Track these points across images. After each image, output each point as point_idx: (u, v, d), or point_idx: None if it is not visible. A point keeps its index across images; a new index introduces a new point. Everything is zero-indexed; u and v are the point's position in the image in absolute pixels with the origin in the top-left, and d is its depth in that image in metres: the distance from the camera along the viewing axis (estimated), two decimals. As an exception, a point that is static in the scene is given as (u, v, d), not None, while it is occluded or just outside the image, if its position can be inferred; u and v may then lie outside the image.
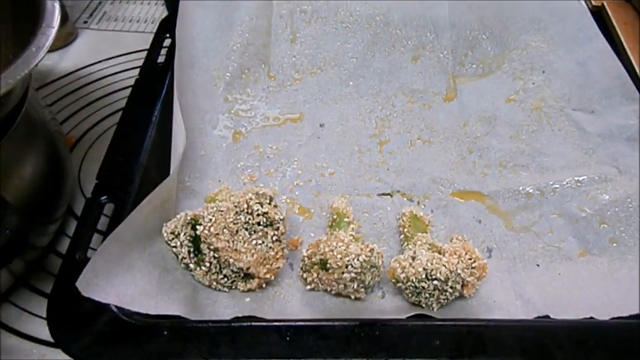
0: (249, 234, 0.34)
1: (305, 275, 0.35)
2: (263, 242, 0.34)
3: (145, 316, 0.31)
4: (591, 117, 0.47)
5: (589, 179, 0.42)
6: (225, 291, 0.34)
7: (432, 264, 0.32)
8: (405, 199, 0.42)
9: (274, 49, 0.51)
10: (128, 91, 0.47)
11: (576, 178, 0.42)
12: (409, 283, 0.32)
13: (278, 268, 0.35)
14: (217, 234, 0.33)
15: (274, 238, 0.35)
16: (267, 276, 0.34)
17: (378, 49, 0.51)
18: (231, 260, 0.33)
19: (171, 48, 0.48)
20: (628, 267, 0.37)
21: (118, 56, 0.57)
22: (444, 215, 0.41)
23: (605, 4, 0.54)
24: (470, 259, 0.34)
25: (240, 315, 0.32)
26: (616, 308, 0.33)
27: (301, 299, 0.35)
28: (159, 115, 0.43)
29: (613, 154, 0.44)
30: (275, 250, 0.35)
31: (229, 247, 0.33)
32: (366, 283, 0.33)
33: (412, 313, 0.33)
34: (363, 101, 0.49)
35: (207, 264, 0.33)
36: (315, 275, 0.34)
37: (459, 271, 0.33)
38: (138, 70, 0.49)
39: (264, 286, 0.35)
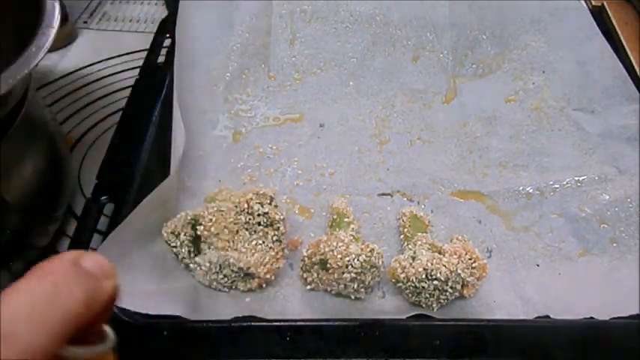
0: (250, 234, 0.34)
1: (305, 275, 0.35)
2: (263, 242, 0.34)
3: (145, 316, 0.31)
4: (591, 117, 0.47)
5: (589, 179, 0.42)
6: (225, 291, 0.34)
7: (432, 264, 0.32)
8: (405, 199, 0.42)
9: (274, 49, 0.51)
10: (128, 91, 0.47)
11: (576, 178, 0.42)
12: (409, 283, 0.32)
13: (278, 268, 0.35)
14: (217, 234, 0.33)
15: (274, 239, 0.35)
16: (267, 276, 0.34)
17: (378, 49, 0.51)
18: (231, 260, 0.33)
19: (171, 48, 0.48)
20: (628, 267, 0.37)
21: (118, 56, 0.57)
22: (444, 215, 0.40)
23: (605, 4, 0.54)
24: (470, 259, 0.34)
25: (240, 315, 0.32)
26: (616, 308, 0.33)
27: (301, 299, 0.35)
28: (159, 115, 0.43)
29: (613, 154, 0.44)
30: (275, 250, 0.35)
31: (229, 247, 0.33)
32: (366, 283, 0.33)
33: (412, 313, 0.33)
34: (363, 101, 0.49)
35: (207, 264, 0.33)
36: (315, 275, 0.34)
37: (459, 271, 0.33)
38: (138, 70, 0.49)
39: (264, 286, 0.35)
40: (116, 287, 0.18)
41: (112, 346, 0.17)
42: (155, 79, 0.46)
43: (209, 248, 0.33)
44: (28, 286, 0.15)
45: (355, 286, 0.33)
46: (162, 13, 0.63)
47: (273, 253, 0.34)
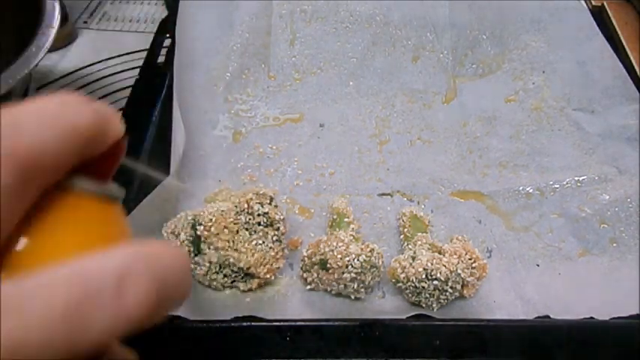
0: (250, 234, 0.34)
1: (305, 275, 0.35)
2: (263, 242, 0.34)
3: (145, 316, 0.31)
4: (591, 117, 0.47)
5: (589, 179, 0.42)
6: (225, 291, 0.34)
7: (432, 264, 0.32)
8: (405, 199, 0.42)
9: (274, 49, 0.51)
10: (128, 91, 0.47)
11: (576, 178, 0.42)
12: (409, 283, 0.32)
13: (278, 268, 0.35)
14: (217, 234, 0.33)
15: (274, 238, 0.35)
16: (267, 276, 0.34)
17: (378, 49, 0.51)
18: (231, 260, 0.33)
19: (171, 48, 0.48)
20: (628, 267, 0.37)
21: (118, 56, 0.57)
22: (444, 215, 0.40)
23: (605, 4, 0.54)
24: (470, 259, 0.34)
25: (240, 315, 0.32)
26: (616, 308, 0.33)
27: (301, 299, 0.35)
28: (159, 115, 0.43)
29: (613, 154, 0.44)
30: (275, 250, 0.35)
31: (229, 247, 0.33)
32: (366, 283, 0.33)
33: (412, 313, 0.33)
34: (363, 101, 0.49)
35: (207, 264, 0.33)
36: (315, 275, 0.34)
37: (459, 271, 0.33)
38: (138, 70, 0.49)
39: (264, 286, 0.35)
40: (124, 140, 0.16)
41: (121, 196, 0.16)
42: (155, 79, 0.47)
43: (209, 248, 0.33)
44: (32, 101, 0.14)
45: (355, 286, 0.33)
46: (162, 13, 0.63)
47: (273, 253, 0.35)
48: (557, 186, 0.42)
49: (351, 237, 0.35)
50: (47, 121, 0.13)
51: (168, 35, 0.51)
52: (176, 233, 0.34)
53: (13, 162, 0.12)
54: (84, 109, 0.14)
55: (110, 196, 0.15)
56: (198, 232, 0.33)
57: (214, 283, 0.34)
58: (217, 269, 0.34)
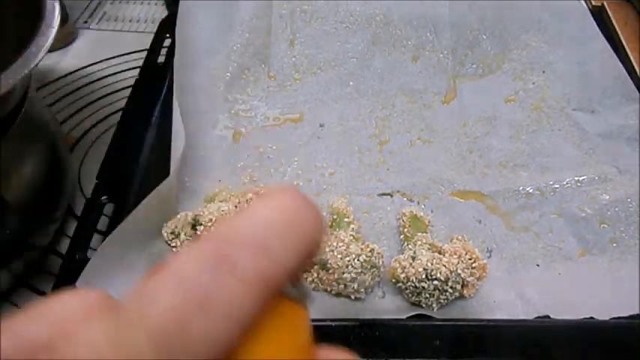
0: (249, 234, 0.34)
1: (305, 275, 0.35)
2: (263, 242, 0.34)
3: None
4: (591, 117, 0.47)
5: (589, 179, 0.42)
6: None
7: (432, 264, 0.32)
8: (405, 199, 0.42)
9: (274, 49, 0.51)
10: (128, 91, 0.47)
11: (576, 178, 0.42)
12: (409, 283, 0.32)
13: (278, 268, 0.35)
14: (217, 234, 0.33)
15: (274, 238, 0.35)
16: (267, 276, 0.34)
17: (378, 49, 0.51)
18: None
19: (171, 48, 0.48)
20: (628, 267, 0.37)
21: (118, 56, 0.57)
22: (444, 215, 0.40)
23: (605, 4, 0.54)
24: (470, 259, 0.34)
25: (240, 315, 0.32)
26: (616, 308, 0.33)
27: (301, 299, 0.35)
28: (159, 115, 0.43)
29: (613, 154, 0.44)
30: (275, 250, 0.35)
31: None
32: (366, 283, 0.33)
33: (412, 313, 0.33)
34: (363, 101, 0.49)
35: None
36: (315, 275, 0.34)
37: (459, 271, 0.33)
38: (138, 70, 0.49)
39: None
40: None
41: (310, 297, 0.15)
42: (155, 79, 0.47)
43: (209, 248, 0.33)
44: (264, 205, 0.13)
45: (355, 286, 0.33)
46: (162, 13, 0.63)
47: (273, 253, 0.34)
48: (557, 186, 0.42)
49: (351, 237, 0.35)
50: (290, 238, 0.13)
51: (168, 35, 0.51)
52: (176, 233, 0.34)
53: (262, 285, 0.12)
54: (314, 220, 0.14)
55: (304, 300, 0.15)
56: (198, 232, 0.33)
57: (214, 283, 0.34)
58: (217, 269, 0.34)
